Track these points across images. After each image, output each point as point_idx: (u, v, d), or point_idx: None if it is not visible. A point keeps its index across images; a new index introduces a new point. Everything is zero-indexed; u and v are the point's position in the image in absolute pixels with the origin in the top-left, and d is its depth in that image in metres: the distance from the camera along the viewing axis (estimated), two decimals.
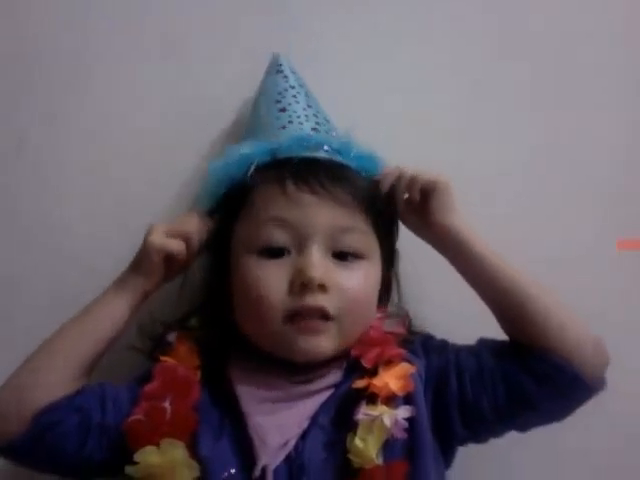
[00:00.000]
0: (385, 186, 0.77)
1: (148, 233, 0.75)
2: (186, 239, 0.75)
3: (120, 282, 0.76)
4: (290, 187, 0.72)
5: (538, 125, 0.95)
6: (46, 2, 0.94)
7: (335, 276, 0.71)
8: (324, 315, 0.71)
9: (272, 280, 0.71)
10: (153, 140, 0.92)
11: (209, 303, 0.78)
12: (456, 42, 0.95)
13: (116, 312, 0.75)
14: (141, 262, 0.75)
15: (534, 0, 0.96)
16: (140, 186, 0.91)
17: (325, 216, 0.72)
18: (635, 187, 0.95)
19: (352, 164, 0.76)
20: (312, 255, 0.71)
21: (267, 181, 0.73)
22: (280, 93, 0.81)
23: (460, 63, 0.95)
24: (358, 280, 0.73)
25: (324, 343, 0.72)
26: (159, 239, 0.74)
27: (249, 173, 0.74)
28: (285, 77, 0.83)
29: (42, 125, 0.92)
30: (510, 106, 0.95)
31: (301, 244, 0.72)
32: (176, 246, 0.75)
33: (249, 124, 0.84)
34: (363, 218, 0.74)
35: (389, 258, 0.79)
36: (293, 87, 0.82)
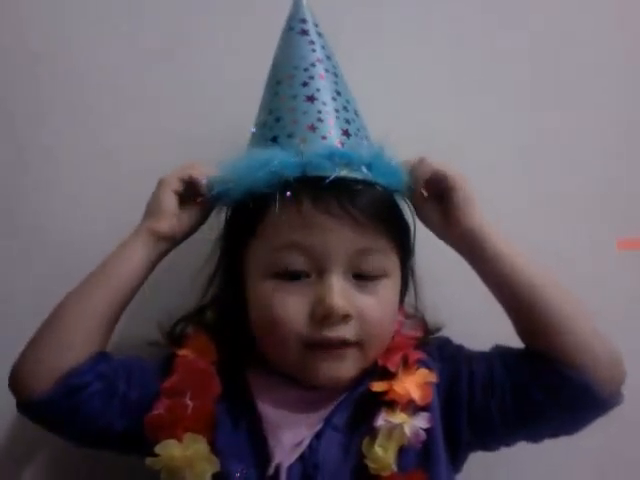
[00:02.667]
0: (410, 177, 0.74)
1: (162, 178, 0.75)
2: (199, 175, 0.74)
3: (137, 228, 0.75)
4: (307, 207, 0.68)
5: (537, 125, 0.95)
6: (46, 3, 0.93)
7: (357, 302, 0.69)
8: (345, 343, 0.69)
9: (291, 306, 0.68)
10: (152, 140, 0.92)
11: (225, 317, 0.77)
12: (455, 42, 0.95)
13: (133, 259, 0.73)
14: (157, 200, 0.74)
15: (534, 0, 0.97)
16: (140, 187, 0.90)
17: (344, 240, 0.68)
18: (635, 187, 0.95)
19: (380, 180, 0.71)
20: (333, 283, 0.68)
21: (283, 198, 0.69)
22: (307, 70, 0.73)
23: (460, 63, 0.95)
24: (381, 303, 0.71)
25: (345, 369, 0.70)
26: (171, 174, 0.75)
27: (278, 196, 0.68)
28: (311, 43, 0.75)
29: (42, 125, 0.92)
30: (510, 106, 0.95)
31: (320, 269, 0.69)
32: (196, 172, 0.74)
33: (270, 99, 0.75)
34: (384, 237, 0.71)
35: (407, 265, 0.78)
36: (321, 61, 0.74)
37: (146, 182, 0.89)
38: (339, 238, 0.68)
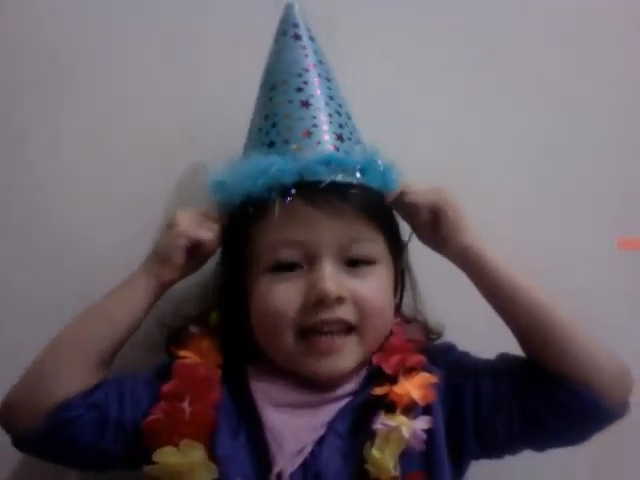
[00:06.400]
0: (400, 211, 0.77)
1: (175, 222, 0.74)
2: (213, 228, 0.74)
3: (142, 271, 0.74)
4: (300, 206, 0.70)
5: (537, 125, 0.94)
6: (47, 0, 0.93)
7: (350, 285, 0.71)
8: (344, 325, 0.70)
9: (285, 294, 0.70)
10: (152, 141, 0.91)
11: (228, 316, 0.77)
12: (455, 42, 0.95)
13: (135, 302, 0.73)
14: (166, 251, 0.74)
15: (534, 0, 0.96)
16: (140, 188, 0.90)
17: (333, 231, 0.71)
18: (635, 187, 0.95)
19: (373, 184, 0.73)
20: (325, 269, 0.70)
21: (281, 203, 0.71)
22: (301, 75, 0.75)
23: (458, 63, 0.95)
24: (373, 286, 0.72)
25: (345, 360, 0.71)
26: (190, 228, 0.73)
27: (277, 201, 0.70)
28: (304, 48, 0.77)
29: (42, 125, 0.91)
30: (510, 106, 0.95)
31: (312, 260, 0.71)
32: (206, 235, 0.73)
33: (265, 104, 0.77)
34: (371, 227, 0.73)
35: (399, 261, 0.78)
36: (314, 66, 0.76)
37: (148, 182, 0.91)
38: (329, 229, 0.71)
